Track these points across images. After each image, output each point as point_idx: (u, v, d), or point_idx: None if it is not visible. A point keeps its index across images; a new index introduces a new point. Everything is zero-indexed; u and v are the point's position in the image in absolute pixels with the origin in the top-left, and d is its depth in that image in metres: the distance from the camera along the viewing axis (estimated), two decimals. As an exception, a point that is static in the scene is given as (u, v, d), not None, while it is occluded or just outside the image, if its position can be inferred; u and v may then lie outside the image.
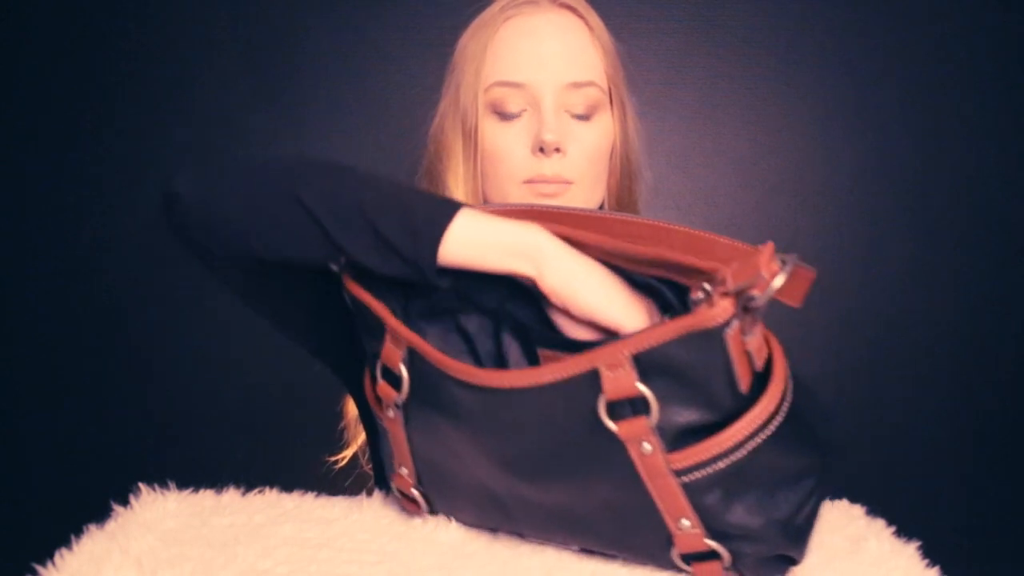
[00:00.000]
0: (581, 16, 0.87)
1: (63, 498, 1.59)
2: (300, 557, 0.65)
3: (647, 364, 0.54)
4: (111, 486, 0.78)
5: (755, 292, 0.51)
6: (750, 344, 0.54)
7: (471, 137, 0.87)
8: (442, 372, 0.61)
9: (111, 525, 0.70)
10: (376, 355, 0.67)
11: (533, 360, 0.68)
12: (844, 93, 1.57)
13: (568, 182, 0.84)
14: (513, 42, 0.85)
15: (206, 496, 0.79)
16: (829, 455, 0.60)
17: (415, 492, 0.70)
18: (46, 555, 0.62)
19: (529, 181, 0.84)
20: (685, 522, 0.57)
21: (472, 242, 0.63)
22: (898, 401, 1.58)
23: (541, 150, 0.83)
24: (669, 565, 0.61)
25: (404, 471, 0.70)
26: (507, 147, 0.85)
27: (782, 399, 0.56)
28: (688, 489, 0.56)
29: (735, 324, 0.53)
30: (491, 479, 0.63)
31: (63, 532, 0.67)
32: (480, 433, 0.61)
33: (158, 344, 1.62)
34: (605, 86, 0.86)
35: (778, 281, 0.52)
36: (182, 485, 0.80)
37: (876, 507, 0.80)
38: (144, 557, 0.63)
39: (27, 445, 1.66)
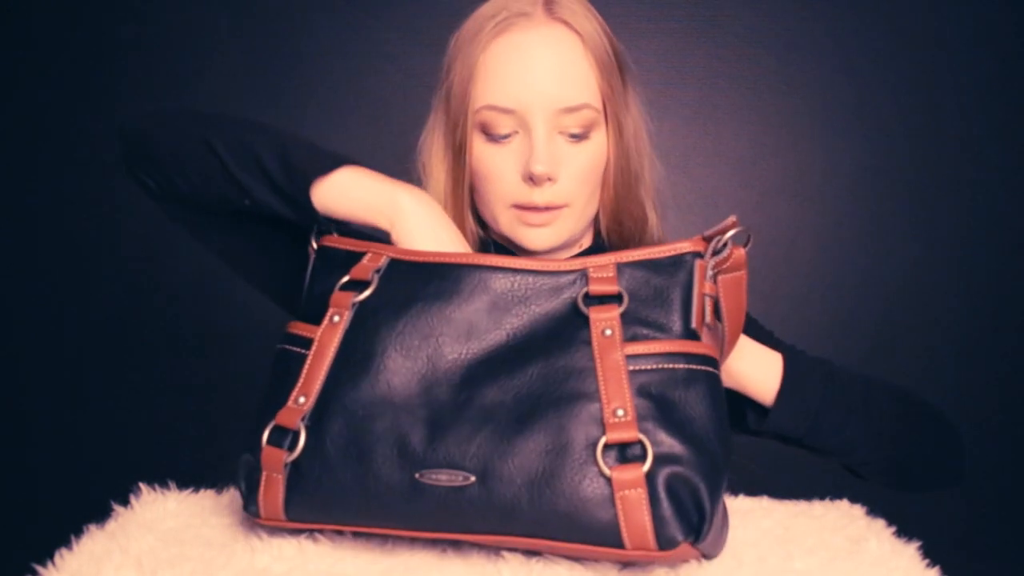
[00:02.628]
0: (575, 30, 0.82)
1: (63, 498, 1.59)
2: (298, 556, 0.65)
3: (626, 274, 0.66)
4: (111, 486, 0.78)
5: (722, 234, 0.65)
6: (708, 289, 0.66)
7: (460, 154, 0.85)
8: (432, 266, 0.68)
9: (111, 525, 0.70)
10: (330, 288, 0.69)
11: None
12: (844, 93, 1.57)
13: (560, 207, 0.83)
14: (503, 62, 0.82)
15: (206, 496, 0.79)
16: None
17: (300, 425, 0.64)
18: (46, 555, 0.63)
19: (518, 206, 0.83)
20: (621, 411, 0.61)
21: (344, 192, 0.72)
22: (898, 401, 1.58)
23: (531, 179, 0.81)
24: (590, 484, 0.59)
25: (301, 400, 0.65)
26: (498, 170, 0.83)
27: (719, 362, 0.67)
28: (632, 380, 0.62)
29: (705, 259, 0.66)
30: (429, 380, 0.64)
31: (63, 532, 0.67)
32: (450, 323, 0.66)
33: (159, 344, 1.62)
34: (599, 105, 0.83)
35: (734, 231, 0.65)
36: (182, 485, 0.81)
37: (876, 507, 0.80)
38: (144, 557, 0.63)
39: (27, 445, 1.66)
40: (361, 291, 0.68)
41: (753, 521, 0.77)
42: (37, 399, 1.65)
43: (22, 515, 1.64)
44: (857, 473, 0.81)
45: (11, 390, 1.65)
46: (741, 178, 1.59)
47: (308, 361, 0.67)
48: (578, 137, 0.83)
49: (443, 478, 0.61)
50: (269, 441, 0.64)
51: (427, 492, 0.61)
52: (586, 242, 0.92)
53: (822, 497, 0.84)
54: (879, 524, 0.76)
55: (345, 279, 0.69)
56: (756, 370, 0.76)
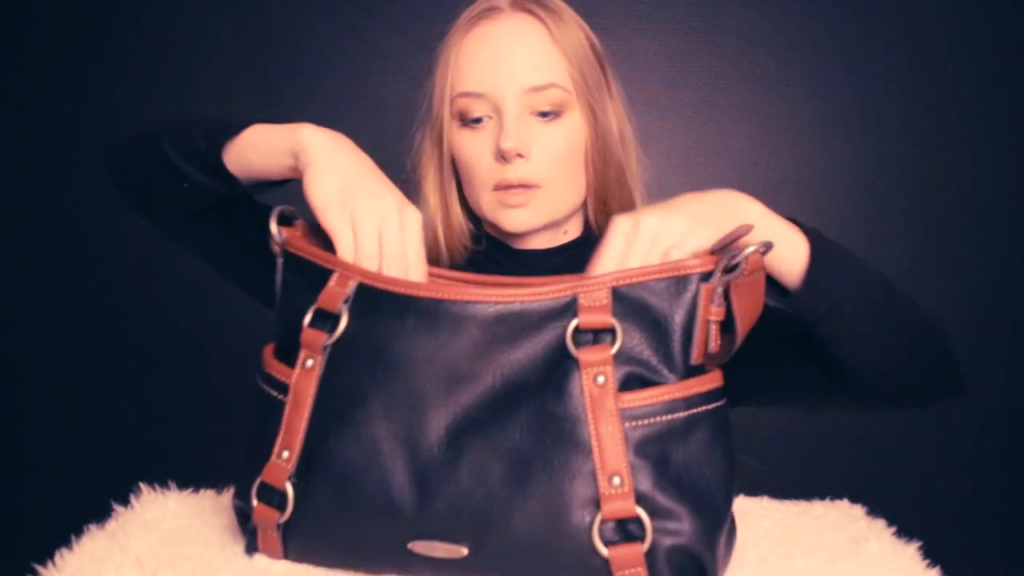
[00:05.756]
0: (541, 19, 0.87)
1: (63, 498, 1.59)
2: (300, 557, 0.65)
3: (622, 303, 0.60)
4: (111, 486, 0.78)
5: (735, 249, 0.60)
6: (713, 314, 0.60)
7: (440, 145, 0.89)
8: (406, 299, 0.62)
9: (111, 525, 0.71)
10: (300, 311, 0.65)
11: None
12: (844, 93, 1.57)
13: (535, 186, 0.85)
14: (473, 52, 0.86)
15: (206, 496, 0.79)
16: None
17: (287, 486, 0.62)
18: (46, 555, 0.63)
19: (497, 188, 0.86)
20: (617, 480, 0.57)
21: (251, 146, 0.74)
22: (898, 401, 1.58)
23: (503, 157, 0.84)
24: (585, 557, 0.57)
25: (285, 455, 0.62)
26: (474, 155, 0.86)
27: (723, 390, 0.62)
28: (628, 438, 0.58)
29: (712, 280, 0.60)
30: (414, 438, 0.59)
31: (63, 532, 0.67)
32: (431, 367, 0.60)
33: (159, 344, 1.62)
34: (569, 87, 0.86)
35: (752, 248, 0.60)
36: (182, 485, 0.81)
37: (876, 507, 0.80)
38: (144, 557, 0.63)
39: (27, 445, 1.66)
40: (332, 330, 0.63)
41: (753, 521, 0.77)
42: (37, 399, 1.65)
43: (22, 515, 1.64)
44: (852, 381, 0.75)
45: (11, 390, 1.65)
46: (741, 178, 1.59)
47: (286, 411, 0.63)
48: (548, 116, 0.86)
49: (436, 551, 0.59)
50: (259, 498, 0.63)
51: (420, 560, 0.60)
52: (574, 231, 0.93)
53: (822, 497, 0.84)
54: (879, 524, 0.76)
55: (313, 309, 0.64)
56: (781, 251, 0.69)
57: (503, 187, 0.85)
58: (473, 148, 0.86)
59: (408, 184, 0.98)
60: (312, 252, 0.67)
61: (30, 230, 1.63)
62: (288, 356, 0.65)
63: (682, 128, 1.58)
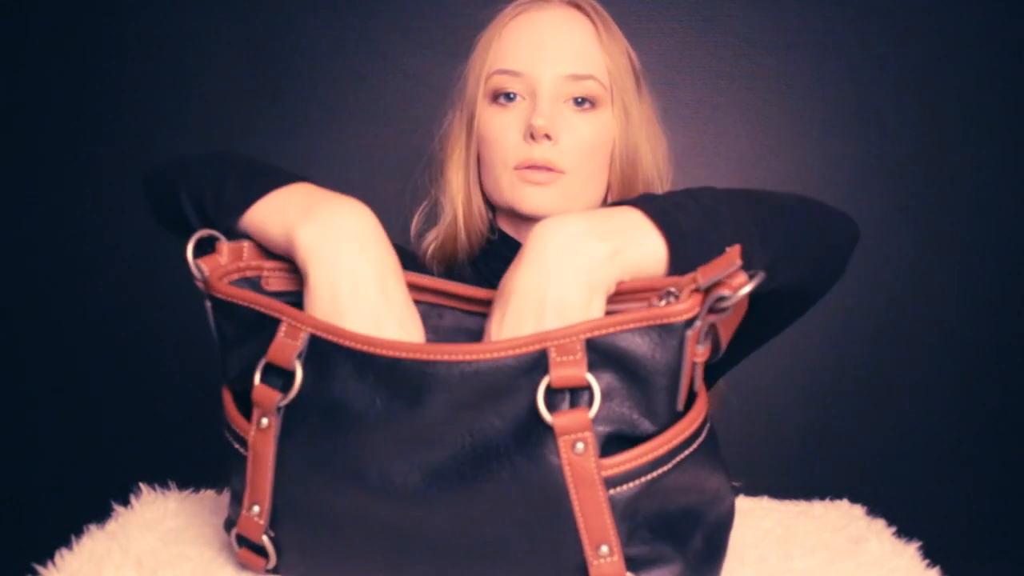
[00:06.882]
0: (589, 16, 0.88)
1: (63, 498, 1.59)
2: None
3: (598, 353, 0.53)
4: (111, 486, 0.78)
5: (725, 291, 0.52)
6: (700, 356, 0.54)
7: (470, 125, 0.89)
8: (362, 355, 0.55)
9: (111, 525, 0.71)
10: (251, 362, 0.59)
11: None
12: (844, 93, 1.57)
13: (560, 171, 0.84)
14: (517, 34, 0.87)
15: (206, 496, 0.80)
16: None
17: (265, 540, 0.60)
18: (46, 555, 0.63)
19: (519, 167, 0.85)
20: (605, 548, 0.53)
21: (261, 223, 0.65)
22: (898, 401, 1.58)
23: (532, 136, 0.83)
24: None
25: (256, 510, 0.59)
26: (501, 132, 0.86)
27: (707, 417, 0.58)
28: (613, 504, 0.53)
29: (697, 325, 0.53)
30: (384, 501, 0.55)
31: (63, 532, 0.67)
32: (394, 430, 0.55)
33: (159, 344, 1.62)
34: (606, 83, 0.86)
35: (747, 288, 0.52)
36: (182, 485, 0.81)
37: (876, 507, 0.80)
38: (144, 557, 0.63)
39: (27, 445, 1.66)
40: (285, 389, 0.57)
41: (753, 521, 0.77)
42: (37, 399, 1.65)
43: (22, 515, 1.64)
44: (793, 302, 0.71)
45: (11, 390, 1.65)
46: (741, 178, 1.59)
47: (249, 469, 0.59)
48: (583, 104, 0.86)
49: None
50: (240, 545, 0.62)
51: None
52: None
53: (822, 497, 0.85)
54: (879, 524, 0.76)
55: (264, 363, 0.58)
56: (640, 261, 0.59)
57: (526, 166, 0.84)
58: (501, 125, 0.86)
59: (414, 191, 0.98)
60: (250, 299, 0.60)
61: (30, 230, 1.63)
62: (245, 402, 0.60)
63: (682, 128, 1.58)
